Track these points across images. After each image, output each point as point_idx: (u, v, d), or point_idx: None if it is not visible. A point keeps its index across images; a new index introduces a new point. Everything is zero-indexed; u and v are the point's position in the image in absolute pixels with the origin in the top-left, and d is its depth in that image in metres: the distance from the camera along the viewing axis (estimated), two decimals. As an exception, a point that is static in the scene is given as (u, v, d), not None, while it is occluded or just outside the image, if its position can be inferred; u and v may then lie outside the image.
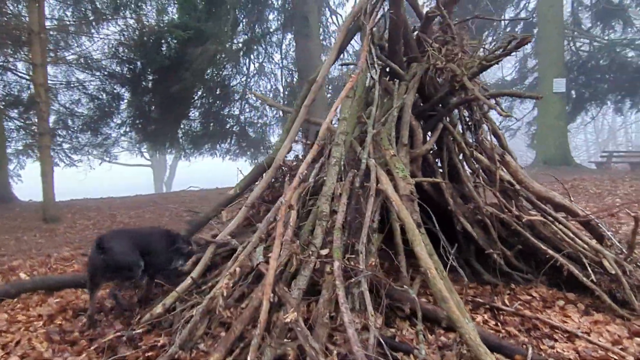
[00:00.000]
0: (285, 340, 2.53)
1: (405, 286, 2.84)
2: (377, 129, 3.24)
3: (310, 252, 2.76)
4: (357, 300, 2.76)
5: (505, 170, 3.87)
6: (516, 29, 17.53)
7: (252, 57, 16.27)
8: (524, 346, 2.96)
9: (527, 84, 19.18)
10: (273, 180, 3.89)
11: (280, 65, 17.07)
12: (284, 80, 17.43)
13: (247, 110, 17.08)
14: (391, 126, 3.36)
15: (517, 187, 3.84)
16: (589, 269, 3.60)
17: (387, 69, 3.78)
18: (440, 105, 3.68)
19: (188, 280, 3.36)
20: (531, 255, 3.92)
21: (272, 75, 17.24)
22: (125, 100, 12.80)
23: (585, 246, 3.78)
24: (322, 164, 3.48)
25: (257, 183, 4.18)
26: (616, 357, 2.97)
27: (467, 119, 3.96)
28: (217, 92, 15.46)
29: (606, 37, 17.74)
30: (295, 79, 17.49)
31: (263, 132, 17.55)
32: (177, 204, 9.19)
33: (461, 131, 3.97)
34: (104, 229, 6.93)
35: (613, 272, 3.56)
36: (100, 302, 3.63)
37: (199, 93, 14.72)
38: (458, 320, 2.23)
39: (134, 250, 3.37)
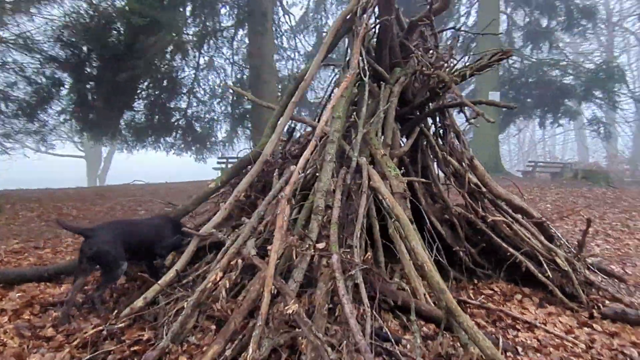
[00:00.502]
0: (286, 330, 2.54)
1: (396, 279, 2.95)
2: (366, 129, 3.35)
3: (307, 246, 2.79)
4: (350, 293, 2.84)
5: (472, 173, 4.12)
6: (457, 44, 18.46)
7: (202, 50, 15.84)
8: (494, 336, 3.18)
9: (464, 94, 20.26)
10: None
11: (231, 60, 16.77)
12: (234, 75, 17.16)
13: (195, 104, 16.64)
14: (377, 127, 3.47)
15: (483, 189, 4.10)
16: (545, 266, 3.93)
17: (371, 72, 3.88)
18: (418, 109, 3.85)
19: (171, 274, 3.27)
20: (493, 252, 4.19)
21: (222, 70, 16.91)
22: (67, 86, 11.93)
23: (540, 245, 4.10)
24: (307, 160, 3.53)
25: (232, 181, 4.15)
26: (570, 345, 3.29)
27: (439, 124, 4.17)
28: (165, 84, 14.91)
29: (534, 57, 19.17)
30: (245, 75, 17.30)
31: (210, 127, 17.14)
32: (127, 198, 8.76)
33: (433, 135, 4.17)
34: (51, 221, 6.46)
35: (566, 269, 3.90)
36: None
37: (145, 84, 14.11)
38: (456, 310, 2.37)
39: (120, 246, 3.27)
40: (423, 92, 3.60)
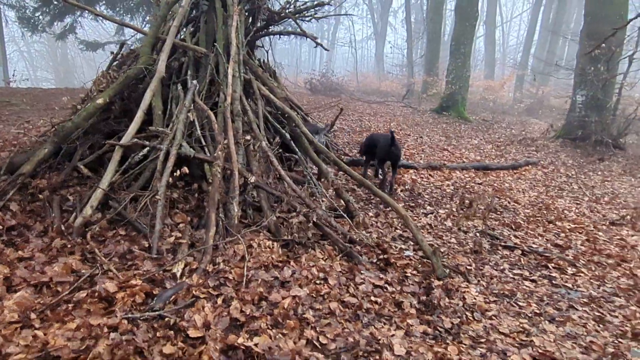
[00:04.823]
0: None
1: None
2: (243, 52, 4.29)
3: (243, 139, 3.85)
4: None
5: (277, 82, 5.65)
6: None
7: None
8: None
9: None
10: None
11: None
12: None
13: None
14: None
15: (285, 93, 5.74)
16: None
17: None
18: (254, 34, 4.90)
19: (106, 182, 3.55)
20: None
21: None
22: None
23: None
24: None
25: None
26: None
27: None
28: None
29: None
30: None
31: None
32: None
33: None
34: None
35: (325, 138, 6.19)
36: None
37: None
38: (340, 164, 4.15)
39: None
40: (263, 21, 4.67)
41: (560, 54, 23.09)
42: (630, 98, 11.24)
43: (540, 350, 2.74)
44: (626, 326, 3.16)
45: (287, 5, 4.61)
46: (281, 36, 5.69)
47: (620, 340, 2.98)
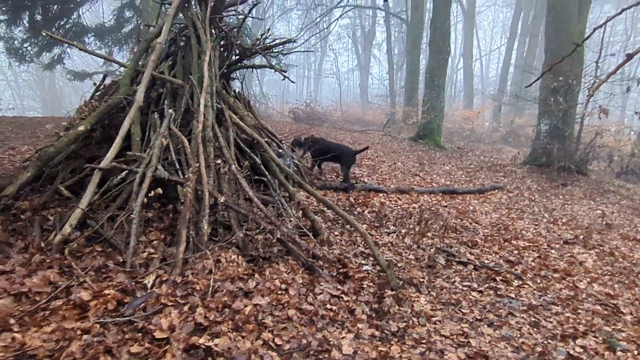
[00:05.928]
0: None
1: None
2: (216, 82, 4.69)
3: (214, 163, 4.19)
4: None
5: (250, 112, 6.05)
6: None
7: None
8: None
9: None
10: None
11: None
12: None
13: None
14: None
15: (261, 123, 6.14)
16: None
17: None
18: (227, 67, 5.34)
19: (85, 202, 3.84)
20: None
21: None
22: None
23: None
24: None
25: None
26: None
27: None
28: None
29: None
30: None
31: None
32: None
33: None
34: None
35: (300, 163, 6.57)
36: None
37: None
38: (311, 190, 4.50)
39: None
40: (236, 56, 5.11)
41: (534, 87, 24.26)
42: (601, 127, 11.81)
43: (475, 350, 3.05)
44: (557, 330, 3.49)
45: (257, 42, 5.09)
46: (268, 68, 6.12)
47: (550, 341, 3.31)
